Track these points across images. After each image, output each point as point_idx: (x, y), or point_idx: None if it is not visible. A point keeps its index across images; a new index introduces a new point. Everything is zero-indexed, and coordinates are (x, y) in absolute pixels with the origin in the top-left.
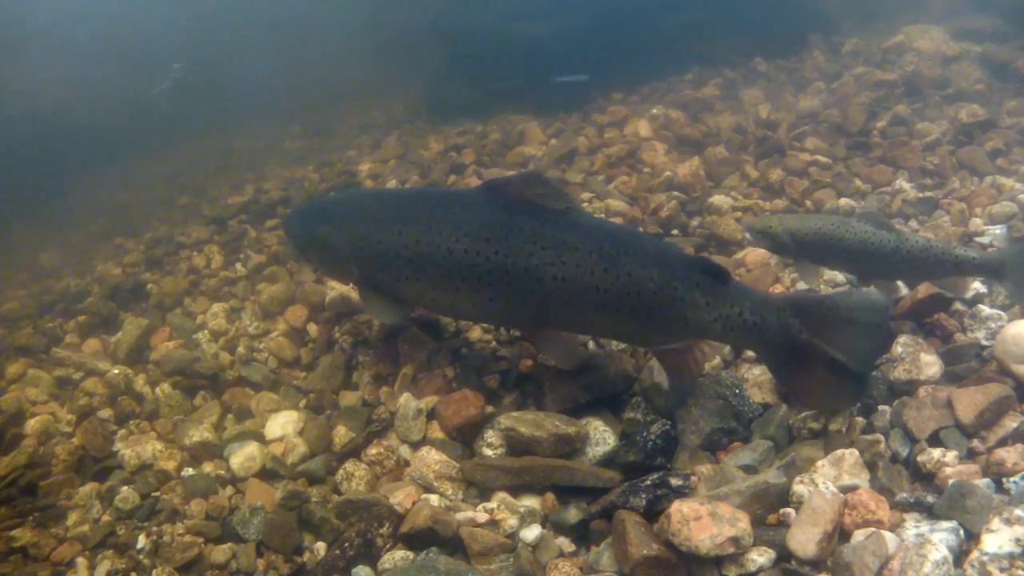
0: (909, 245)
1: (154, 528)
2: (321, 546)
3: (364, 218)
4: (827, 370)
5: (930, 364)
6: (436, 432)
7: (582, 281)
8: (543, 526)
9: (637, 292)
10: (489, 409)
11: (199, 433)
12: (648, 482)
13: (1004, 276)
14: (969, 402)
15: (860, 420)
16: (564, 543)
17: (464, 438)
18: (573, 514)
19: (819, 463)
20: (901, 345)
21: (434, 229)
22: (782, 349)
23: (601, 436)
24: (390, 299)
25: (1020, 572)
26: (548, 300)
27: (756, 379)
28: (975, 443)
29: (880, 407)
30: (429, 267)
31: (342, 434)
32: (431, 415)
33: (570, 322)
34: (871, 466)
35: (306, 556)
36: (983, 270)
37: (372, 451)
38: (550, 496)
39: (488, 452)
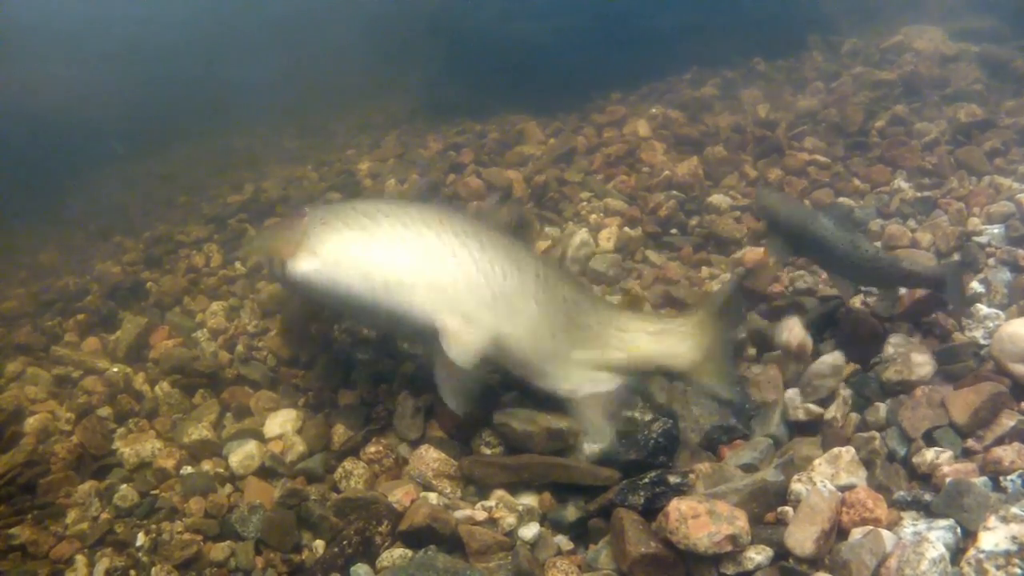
0: (860, 252)
1: (153, 526)
2: (320, 544)
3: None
4: None
5: (921, 364)
6: (435, 430)
7: None
8: (541, 524)
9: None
10: None
11: (198, 431)
12: (646, 480)
13: (944, 289)
14: (963, 402)
15: (855, 416)
16: (562, 541)
17: (463, 436)
18: (571, 512)
19: (816, 461)
20: (892, 346)
21: None
22: None
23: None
24: None
25: (1016, 570)
26: None
27: (756, 377)
28: (971, 442)
29: (876, 404)
30: None
31: (341, 432)
32: (430, 413)
33: None
34: (868, 464)
35: (305, 554)
36: (927, 283)
37: (371, 449)
38: (547, 494)
39: (486, 450)
